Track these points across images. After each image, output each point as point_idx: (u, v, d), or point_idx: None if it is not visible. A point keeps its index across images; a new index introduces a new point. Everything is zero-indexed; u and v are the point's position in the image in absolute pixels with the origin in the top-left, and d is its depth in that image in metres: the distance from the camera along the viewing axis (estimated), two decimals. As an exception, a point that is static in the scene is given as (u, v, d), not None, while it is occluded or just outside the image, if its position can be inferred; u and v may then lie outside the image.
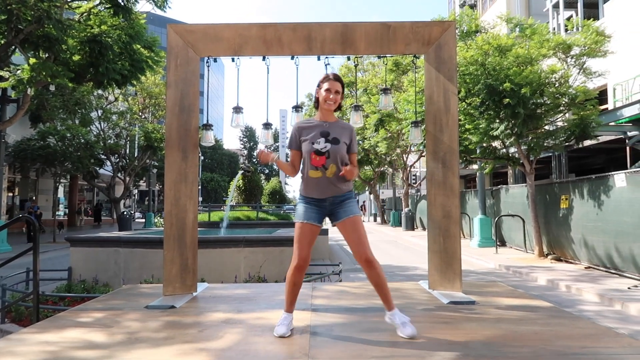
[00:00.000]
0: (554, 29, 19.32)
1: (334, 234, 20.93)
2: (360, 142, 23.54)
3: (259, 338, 2.89)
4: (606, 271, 8.93)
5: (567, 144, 11.49)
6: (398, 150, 23.22)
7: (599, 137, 12.00)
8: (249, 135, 64.90)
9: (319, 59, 4.31)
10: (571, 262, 10.33)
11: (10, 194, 21.84)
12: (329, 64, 4.44)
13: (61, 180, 23.56)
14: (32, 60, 10.41)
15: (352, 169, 2.94)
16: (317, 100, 3.16)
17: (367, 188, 37.75)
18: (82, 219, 27.86)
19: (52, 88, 14.69)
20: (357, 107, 4.73)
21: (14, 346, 2.71)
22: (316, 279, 6.38)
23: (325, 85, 3.08)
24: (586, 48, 10.47)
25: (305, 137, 3.07)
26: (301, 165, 3.12)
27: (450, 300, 3.75)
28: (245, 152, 64.69)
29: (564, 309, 3.97)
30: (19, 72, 10.45)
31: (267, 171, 60.92)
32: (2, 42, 11.51)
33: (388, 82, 17.73)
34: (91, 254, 7.16)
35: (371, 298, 4.04)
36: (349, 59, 4.81)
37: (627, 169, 11.54)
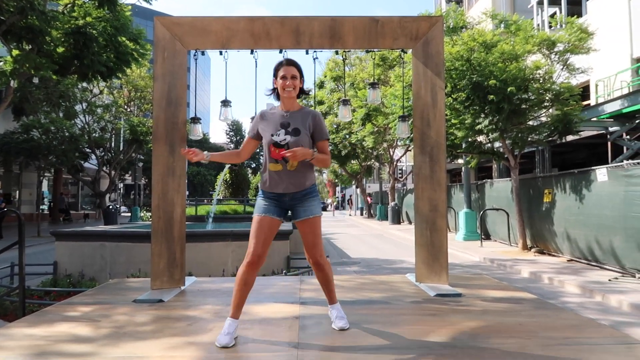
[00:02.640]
0: (538, 25, 19.50)
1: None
2: (347, 136, 23.54)
3: (248, 331, 2.91)
4: (587, 264, 9.11)
5: (550, 139, 11.65)
6: (385, 145, 23.31)
7: (582, 133, 12.18)
8: (236, 129, 64.52)
9: (307, 52, 4.32)
10: (554, 255, 10.51)
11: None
12: (317, 57, 4.46)
13: (45, 174, 23.21)
14: (15, 52, 10.20)
15: (296, 150, 2.68)
16: (275, 90, 2.96)
17: (353, 182, 37.82)
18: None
19: (35, 80, 14.44)
20: (345, 102, 4.74)
21: (2, 341, 2.70)
22: (304, 273, 6.41)
23: (281, 73, 2.87)
24: (570, 45, 10.61)
25: (265, 127, 2.89)
26: (262, 158, 2.96)
27: (437, 293, 3.80)
28: (232, 146, 64.32)
29: (548, 301, 4.06)
30: (1, 63, 10.25)
31: (253, 165, 60.74)
32: (-17, 33, 11.27)
33: (375, 76, 17.76)
34: (77, 248, 7.10)
35: (359, 291, 4.09)
36: (337, 52, 4.83)
37: (608, 163, 11.76)
